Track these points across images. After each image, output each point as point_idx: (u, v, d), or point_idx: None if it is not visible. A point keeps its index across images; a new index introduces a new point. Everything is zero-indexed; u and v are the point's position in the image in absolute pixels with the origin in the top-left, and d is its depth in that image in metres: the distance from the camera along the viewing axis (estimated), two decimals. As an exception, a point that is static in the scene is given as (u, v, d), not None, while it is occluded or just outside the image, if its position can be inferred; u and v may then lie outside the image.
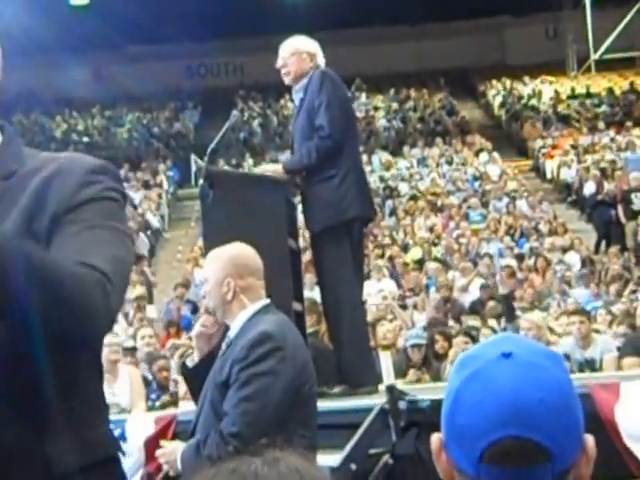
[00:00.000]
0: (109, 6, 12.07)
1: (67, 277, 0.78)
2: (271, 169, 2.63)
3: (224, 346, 1.68)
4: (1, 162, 0.90)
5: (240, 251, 1.72)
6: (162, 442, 1.72)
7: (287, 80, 2.73)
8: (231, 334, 1.66)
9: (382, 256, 8.09)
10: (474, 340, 3.85)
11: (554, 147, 11.69)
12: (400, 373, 3.74)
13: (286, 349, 1.58)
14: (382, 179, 10.99)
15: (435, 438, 0.68)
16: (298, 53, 2.69)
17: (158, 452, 1.68)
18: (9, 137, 0.93)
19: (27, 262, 0.74)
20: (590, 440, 0.66)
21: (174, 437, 2.40)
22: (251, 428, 1.50)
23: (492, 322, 5.09)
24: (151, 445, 2.49)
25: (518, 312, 5.22)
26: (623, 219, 8.60)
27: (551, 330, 4.20)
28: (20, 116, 13.80)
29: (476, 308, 6.04)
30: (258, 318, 1.64)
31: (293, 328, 1.72)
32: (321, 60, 2.73)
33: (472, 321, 5.32)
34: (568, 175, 10.72)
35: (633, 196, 8.72)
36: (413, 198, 10.22)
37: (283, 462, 0.50)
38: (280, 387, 1.54)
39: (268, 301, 1.69)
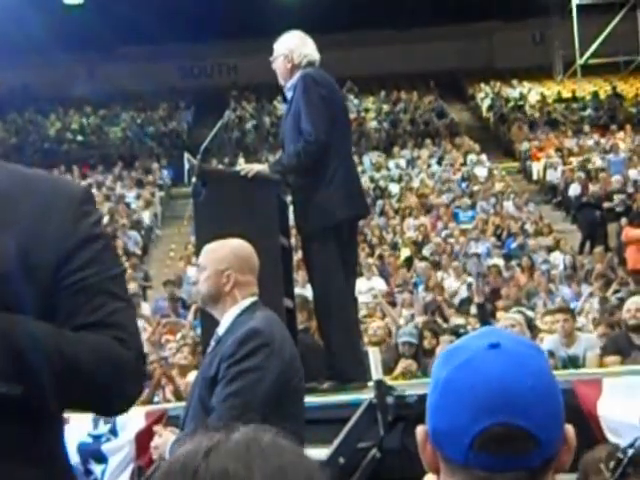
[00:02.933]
0: (103, 6, 12.01)
1: (98, 362, 0.81)
2: (256, 169, 2.62)
3: (213, 342, 1.70)
4: None
5: (243, 247, 1.73)
6: (156, 428, 1.73)
7: (279, 80, 2.76)
8: (220, 330, 1.68)
9: (372, 255, 8.15)
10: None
11: (540, 149, 11.84)
12: (389, 369, 3.79)
13: (273, 345, 1.59)
14: (372, 179, 11.06)
15: (420, 430, 0.69)
16: (277, 55, 2.72)
17: (152, 443, 1.70)
18: None
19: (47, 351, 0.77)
20: (570, 430, 0.68)
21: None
22: (237, 422, 1.51)
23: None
24: (142, 439, 2.51)
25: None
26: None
27: (536, 328, 4.27)
28: (14, 114, 13.72)
29: (464, 307, 6.12)
30: (247, 315, 1.65)
31: (281, 324, 1.74)
32: (301, 58, 2.67)
33: (459, 319, 5.40)
34: (554, 177, 10.87)
35: (616, 197, 8.88)
36: (402, 198, 10.30)
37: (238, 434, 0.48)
38: (267, 382, 1.56)
39: (257, 298, 1.71)
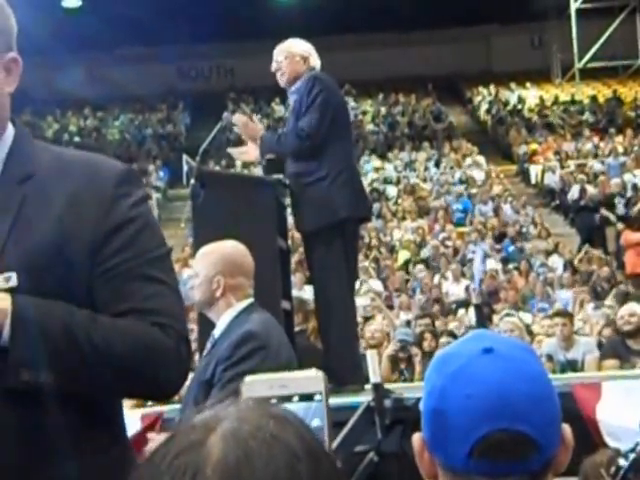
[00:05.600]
0: (101, 8, 12.04)
1: (139, 349, 0.78)
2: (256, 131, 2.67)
3: (209, 345, 1.70)
4: (15, 164, 0.85)
5: (234, 250, 1.73)
6: (151, 435, 1.73)
7: (282, 83, 2.74)
8: (216, 333, 1.68)
9: (368, 257, 8.16)
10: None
11: (539, 153, 11.88)
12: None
13: (269, 347, 1.60)
14: (370, 182, 11.07)
15: (417, 438, 0.68)
16: (291, 56, 2.70)
17: (147, 449, 1.69)
18: (21, 135, 0.88)
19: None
20: (567, 430, 0.68)
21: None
22: None
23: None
24: (137, 442, 2.49)
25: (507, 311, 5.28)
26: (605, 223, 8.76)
27: (531, 333, 4.27)
28: (12, 116, 13.69)
29: (462, 309, 6.11)
30: (243, 318, 1.65)
31: (277, 326, 1.74)
32: (315, 62, 2.74)
33: (456, 322, 5.39)
34: (552, 180, 10.89)
35: (615, 201, 8.90)
36: (400, 201, 10.32)
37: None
38: None
39: (252, 300, 1.70)
